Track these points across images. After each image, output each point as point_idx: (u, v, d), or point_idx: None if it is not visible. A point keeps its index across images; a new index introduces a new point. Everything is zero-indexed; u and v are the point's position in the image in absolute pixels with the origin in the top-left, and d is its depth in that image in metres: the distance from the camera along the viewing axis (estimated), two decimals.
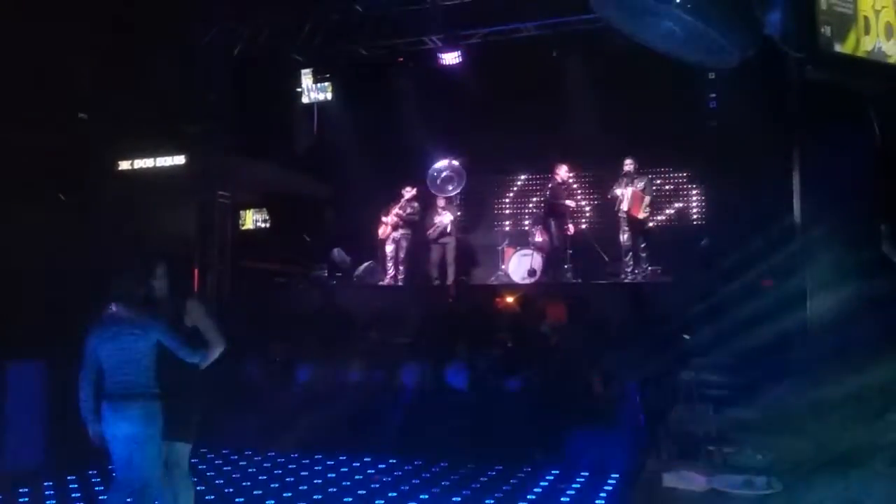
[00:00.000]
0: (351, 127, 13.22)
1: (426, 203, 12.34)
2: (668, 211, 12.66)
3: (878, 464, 2.99)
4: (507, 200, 13.91)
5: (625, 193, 11.01)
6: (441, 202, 12.19)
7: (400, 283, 12.13)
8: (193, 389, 4.72)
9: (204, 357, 4.71)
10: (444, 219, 12.00)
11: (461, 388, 8.14)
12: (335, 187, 13.82)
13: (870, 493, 2.75)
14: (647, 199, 11.03)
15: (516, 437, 7.70)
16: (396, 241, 12.15)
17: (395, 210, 12.14)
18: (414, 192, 12.12)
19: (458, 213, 12.44)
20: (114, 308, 4.56)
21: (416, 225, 12.20)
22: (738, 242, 8.76)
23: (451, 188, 12.32)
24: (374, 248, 12.65)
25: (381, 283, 12.31)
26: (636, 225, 11.04)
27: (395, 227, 12.16)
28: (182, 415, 4.62)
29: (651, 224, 11.44)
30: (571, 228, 11.86)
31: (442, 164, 12.40)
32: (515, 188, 13.90)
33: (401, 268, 12.18)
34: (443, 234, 11.99)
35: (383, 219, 12.27)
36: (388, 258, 12.23)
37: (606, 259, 11.77)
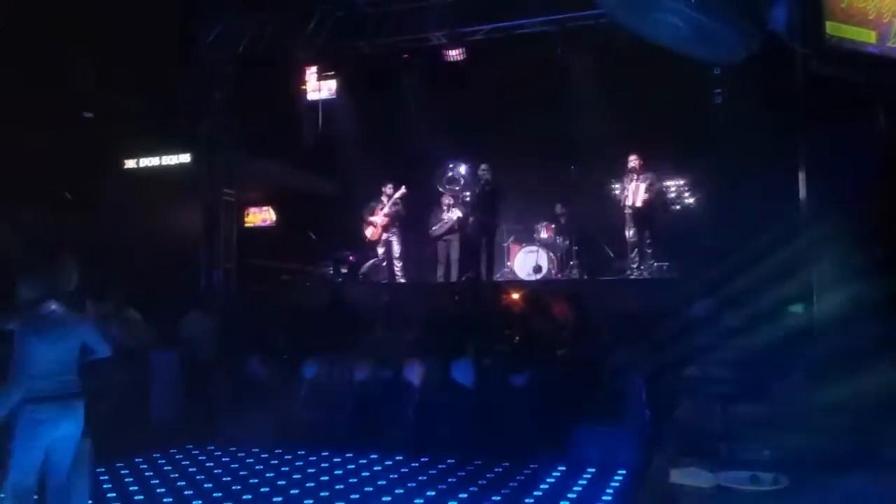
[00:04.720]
0: (356, 124, 13.22)
1: (425, 200, 12.33)
2: (673, 207, 12.59)
3: (884, 461, 2.99)
4: (513, 197, 13.86)
5: (629, 189, 11.00)
6: (447, 200, 12.18)
7: (399, 283, 12.10)
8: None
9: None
10: (451, 216, 11.99)
11: (467, 385, 8.14)
12: (340, 185, 13.82)
13: (875, 490, 2.75)
14: (643, 185, 10.96)
15: (523, 434, 7.70)
16: (388, 243, 12.12)
17: (385, 209, 12.11)
18: (403, 190, 12.10)
19: (464, 211, 12.43)
20: (53, 306, 4.61)
21: (403, 220, 12.19)
22: (744, 239, 8.73)
23: (457, 188, 12.40)
24: (378, 246, 12.65)
25: (384, 281, 12.31)
26: (641, 218, 11.00)
27: (385, 228, 12.12)
28: (85, 411, 4.72)
29: (655, 214, 11.31)
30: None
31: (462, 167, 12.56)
32: (521, 185, 13.86)
33: (399, 264, 12.15)
34: (449, 230, 11.98)
35: (369, 218, 12.20)
36: (381, 261, 12.24)
37: (612, 255, 11.75)
